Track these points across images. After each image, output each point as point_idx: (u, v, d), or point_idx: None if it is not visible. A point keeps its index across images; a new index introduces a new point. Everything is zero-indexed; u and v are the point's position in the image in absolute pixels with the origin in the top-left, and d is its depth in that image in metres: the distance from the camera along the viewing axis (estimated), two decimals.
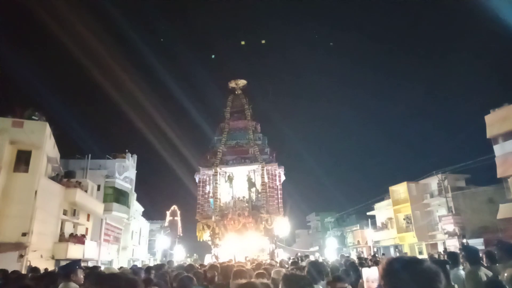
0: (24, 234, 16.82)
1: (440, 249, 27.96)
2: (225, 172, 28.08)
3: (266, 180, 26.74)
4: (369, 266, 7.25)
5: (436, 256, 17.28)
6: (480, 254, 4.99)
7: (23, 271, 11.42)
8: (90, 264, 17.63)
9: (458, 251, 7.99)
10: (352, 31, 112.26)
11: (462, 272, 4.71)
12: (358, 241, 44.32)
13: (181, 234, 50.63)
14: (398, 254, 27.67)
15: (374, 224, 40.89)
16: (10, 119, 18.24)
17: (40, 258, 17.57)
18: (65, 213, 22.15)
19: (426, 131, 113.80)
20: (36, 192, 17.72)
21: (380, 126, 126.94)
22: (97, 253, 25.40)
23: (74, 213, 23.42)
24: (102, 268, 8.82)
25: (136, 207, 36.86)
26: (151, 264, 13.71)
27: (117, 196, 29.50)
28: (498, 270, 4.45)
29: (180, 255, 36.34)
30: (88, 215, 25.76)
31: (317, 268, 4.15)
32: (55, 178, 21.51)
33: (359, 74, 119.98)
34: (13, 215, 16.84)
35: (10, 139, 17.66)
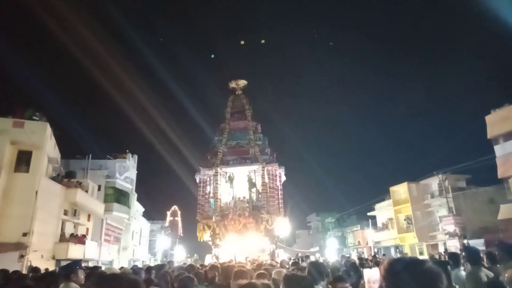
0: (24, 234, 16.85)
1: (441, 249, 27.94)
2: (226, 173, 28.08)
3: (266, 180, 26.75)
4: (370, 267, 7.25)
5: (437, 256, 17.27)
6: (481, 255, 4.98)
7: (24, 271, 11.42)
8: (90, 264, 17.62)
9: (459, 252, 7.99)
10: (352, 31, 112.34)
11: (463, 273, 4.70)
12: (359, 242, 44.29)
13: (182, 235, 50.67)
14: (398, 255, 27.67)
15: (374, 224, 40.86)
16: (11, 120, 18.28)
17: (40, 258, 17.58)
18: (65, 213, 22.18)
19: (427, 131, 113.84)
20: (36, 192, 17.74)
21: (381, 126, 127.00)
22: (97, 253, 25.42)
23: (74, 213, 23.45)
24: (103, 268, 8.82)
25: (137, 207, 36.89)
26: (152, 265, 13.71)
27: (118, 196, 29.53)
28: (499, 270, 4.44)
29: (180, 256, 36.37)
30: (89, 215, 25.78)
31: (318, 268, 4.15)
32: (56, 179, 21.53)
33: (359, 74, 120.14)
34: (14, 215, 16.87)
35: (11, 139, 17.69)
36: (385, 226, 38.53)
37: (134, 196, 33.97)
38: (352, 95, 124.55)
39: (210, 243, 26.87)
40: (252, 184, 27.72)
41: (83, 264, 7.75)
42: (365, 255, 30.12)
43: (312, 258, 16.04)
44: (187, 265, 8.45)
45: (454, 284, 4.53)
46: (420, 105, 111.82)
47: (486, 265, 4.99)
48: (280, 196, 27.64)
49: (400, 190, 35.84)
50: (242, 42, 38.55)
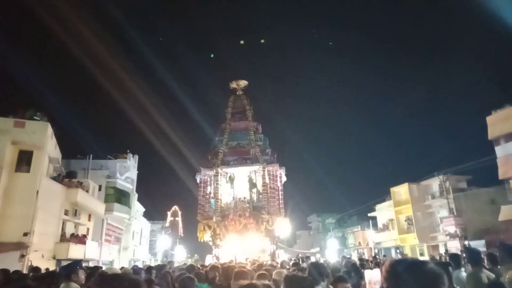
0: (25, 234, 16.87)
1: (442, 250, 27.92)
2: (226, 173, 28.08)
3: (267, 181, 26.74)
4: (370, 268, 7.24)
5: (438, 257, 17.27)
6: (482, 256, 4.97)
7: (25, 271, 11.43)
8: (91, 264, 17.63)
9: (460, 253, 7.98)
10: (353, 31, 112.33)
11: (464, 274, 4.70)
12: (359, 242, 44.25)
13: (182, 235, 50.68)
14: (399, 256, 27.65)
15: (375, 225, 40.83)
16: (12, 120, 18.31)
17: (41, 258, 17.59)
18: (66, 213, 22.19)
19: (427, 132, 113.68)
20: (37, 192, 17.76)
21: (381, 127, 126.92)
22: (98, 253, 25.44)
23: (75, 213, 23.46)
24: (104, 268, 8.82)
25: (137, 208, 36.90)
26: (152, 265, 13.71)
27: (118, 197, 29.54)
28: (500, 272, 4.44)
29: (181, 256, 36.37)
30: (89, 215, 25.79)
31: (318, 269, 4.15)
32: (57, 178, 21.55)
33: (360, 74, 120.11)
34: (15, 215, 16.89)
35: (12, 139, 17.71)
36: (385, 227, 38.49)
37: (134, 196, 33.99)
38: (352, 95, 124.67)
39: (211, 243, 26.87)
40: (252, 185, 27.72)
41: (84, 264, 7.76)
42: (366, 256, 30.11)
43: (313, 259, 16.04)
44: (188, 265, 8.45)
45: (455, 285, 4.52)
46: (420, 106, 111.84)
47: (487, 266, 4.98)
48: (280, 197, 27.64)
49: (401, 190, 35.81)
50: (242, 42, 38.66)
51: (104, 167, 29.60)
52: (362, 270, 5.85)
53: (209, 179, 27.92)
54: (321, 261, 14.21)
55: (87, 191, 24.11)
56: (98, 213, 26.23)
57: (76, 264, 4.73)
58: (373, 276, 4.26)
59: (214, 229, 26.09)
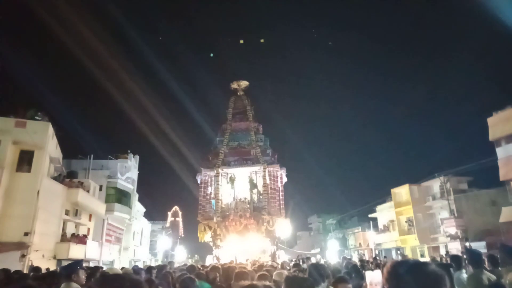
0: (26, 234, 16.87)
1: (442, 252, 27.89)
2: (227, 173, 28.09)
3: (267, 181, 26.73)
4: (371, 269, 7.24)
5: (438, 259, 17.25)
6: (483, 257, 4.96)
7: (25, 271, 11.44)
8: (91, 265, 17.65)
9: (461, 254, 7.96)
10: (354, 32, 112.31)
11: (465, 276, 4.69)
12: (360, 243, 44.21)
13: (183, 235, 50.70)
14: (400, 257, 27.61)
15: (376, 226, 40.77)
16: (13, 119, 18.33)
17: (42, 258, 17.60)
18: (67, 213, 22.19)
19: (428, 133, 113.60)
20: (38, 192, 17.77)
21: (382, 128, 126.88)
22: (98, 253, 25.44)
23: (76, 213, 23.46)
24: (104, 268, 8.82)
25: (138, 208, 36.91)
26: (153, 265, 13.71)
27: (119, 197, 29.55)
28: (501, 273, 4.43)
29: (181, 256, 36.35)
30: (90, 216, 25.80)
31: (319, 270, 4.15)
32: (58, 178, 21.56)
33: (360, 75, 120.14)
34: (16, 215, 16.90)
35: (13, 139, 17.73)
36: (386, 228, 38.45)
37: (135, 197, 34.00)
38: (353, 95, 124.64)
39: (211, 244, 26.86)
40: (253, 185, 27.72)
41: (84, 264, 7.76)
42: (366, 257, 30.11)
43: (313, 260, 16.03)
44: (188, 265, 8.45)
45: (456, 287, 4.51)
46: (421, 106, 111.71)
47: (488, 268, 4.97)
48: (281, 197, 27.64)
49: (402, 192, 35.78)
50: (242, 41, 38.74)
51: (105, 167, 29.61)
52: (363, 271, 5.84)
53: (209, 179, 27.93)
54: (322, 262, 14.20)
55: (88, 191, 24.12)
56: (99, 213, 26.24)
57: (76, 264, 4.73)
58: (374, 277, 4.26)
59: (215, 230, 26.08)
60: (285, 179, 28.94)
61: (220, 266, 6.90)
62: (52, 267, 15.66)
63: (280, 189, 27.87)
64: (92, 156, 28.49)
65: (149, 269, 7.33)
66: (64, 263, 13.79)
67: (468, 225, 27.94)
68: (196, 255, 41.34)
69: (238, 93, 31.78)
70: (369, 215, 42.29)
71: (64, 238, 21.04)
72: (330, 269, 6.12)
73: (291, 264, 10.60)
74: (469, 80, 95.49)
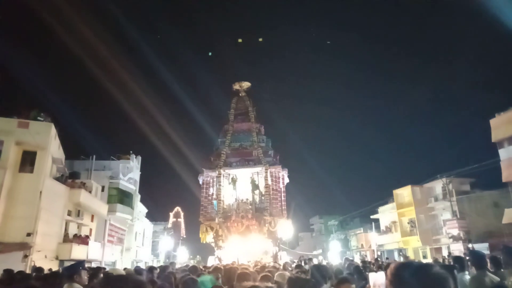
0: (28, 235, 16.91)
1: (445, 253, 27.80)
2: (229, 174, 28.10)
3: (269, 182, 26.73)
4: (374, 271, 7.22)
5: (441, 260, 17.20)
6: (486, 259, 4.94)
7: (28, 271, 11.47)
8: (93, 265, 17.68)
9: (463, 256, 7.93)
10: (357, 34, 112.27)
11: (468, 277, 4.67)
12: (362, 245, 44.12)
13: (184, 236, 50.73)
14: (402, 258, 27.54)
15: (378, 227, 40.69)
16: (16, 120, 18.39)
17: (44, 259, 17.64)
18: (69, 213, 22.25)
19: (431, 134, 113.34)
20: (41, 192, 17.81)
21: (384, 129, 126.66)
22: (100, 254, 25.46)
23: (78, 214, 23.52)
24: (107, 269, 8.84)
25: (140, 208, 36.94)
26: (155, 265, 13.71)
27: (121, 197, 29.58)
28: (504, 275, 4.41)
29: (183, 257, 36.37)
30: (92, 216, 25.85)
31: (321, 271, 4.15)
32: (60, 179, 21.61)
33: (362, 76, 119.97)
34: (18, 216, 16.95)
35: (16, 140, 17.79)
36: (388, 229, 38.36)
37: (137, 197, 34.03)
38: (355, 97, 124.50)
39: (213, 244, 26.87)
40: (255, 186, 27.72)
41: (86, 265, 7.77)
42: (368, 258, 30.05)
43: (315, 261, 16.00)
44: (190, 266, 8.45)
45: None
46: (423, 107, 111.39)
47: (491, 270, 4.95)
48: (283, 198, 27.62)
49: (404, 193, 35.71)
50: (240, 40, 38.90)
51: (107, 168, 29.66)
52: (366, 273, 5.83)
53: (211, 180, 27.96)
54: (324, 263, 14.19)
55: (90, 192, 24.17)
56: (101, 214, 26.28)
57: (78, 264, 4.73)
58: (377, 279, 4.24)
59: (217, 231, 26.10)
60: (287, 180, 28.93)
61: (222, 267, 6.90)
62: (55, 267, 15.71)
63: (282, 190, 27.86)
64: (94, 156, 28.56)
65: (150, 269, 7.33)
66: (67, 264, 13.83)
67: (470, 226, 27.85)
68: (198, 256, 41.38)
69: (240, 94, 31.83)
70: (371, 216, 42.20)
71: (66, 239, 21.08)
72: (332, 270, 6.11)
73: (293, 265, 10.58)
74: (471, 81, 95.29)
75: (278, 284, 3.85)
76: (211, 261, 23.00)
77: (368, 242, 41.45)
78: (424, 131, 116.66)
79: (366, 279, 5.14)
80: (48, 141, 18.87)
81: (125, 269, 9.24)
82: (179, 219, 51.71)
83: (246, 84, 32.26)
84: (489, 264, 5.15)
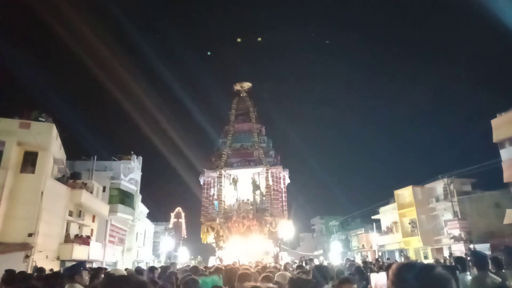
0: (30, 235, 16.92)
1: (446, 254, 27.78)
2: (230, 175, 28.11)
3: (270, 182, 26.74)
4: (375, 271, 7.21)
5: (442, 261, 17.18)
6: (488, 260, 4.93)
7: (29, 272, 11.49)
8: (95, 265, 17.69)
9: (464, 256, 7.92)
10: (358, 34, 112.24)
11: (469, 278, 4.67)
12: (363, 245, 44.08)
13: (186, 236, 50.75)
14: (403, 259, 27.52)
15: (379, 228, 40.66)
16: (17, 121, 18.41)
17: (45, 259, 17.65)
18: (70, 214, 22.27)
19: (432, 134, 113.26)
20: (42, 193, 17.82)
21: (385, 129, 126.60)
22: (102, 254, 25.48)
23: (79, 214, 23.54)
24: (108, 269, 8.85)
25: (141, 209, 36.95)
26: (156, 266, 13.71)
27: (122, 198, 29.59)
28: (506, 276, 4.40)
29: (184, 257, 36.40)
30: (93, 217, 25.87)
31: (322, 272, 4.15)
32: (61, 179, 21.64)
33: (363, 77, 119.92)
34: (20, 216, 16.96)
35: (17, 140, 17.81)
36: (389, 230, 38.33)
37: (138, 198, 34.04)
38: (356, 97, 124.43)
39: (214, 245, 26.88)
40: (256, 187, 27.73)
41: (88, 265, 7.78)
42: (369, 259, 30.03)
43: (316, 261, 16.00)
44: (192, 266, 8.45)
45: None
46: (424, 108, 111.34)
47: (492, 270, 4.95)
48: (284, 199, 27.62)
49: (405, 193, 35.68)
50: (239, 40, 39.01)
51: (108, 168, 29.67)
52: (368, 274, 5.83)
53: (212, 180, 27.97)
54: (325, 263, 14.18)
55: (91, 192, 24.19)
56: (102, 214, 26.30)
57: (80, 265, 4.74)
58: (379, 280, 4.24)
59: (218, 231, 26.11)
60: (288, 181, 28.93)
61: (223, 267, 6.90)
62: (56, 268, 15.71)
63: (283, 190, 27.85)
64: (95, 157, 28.56)
65: (151, 269, 7.34)
66: (68, 264, 13.83)
67: (471, 227, 27.81)
68: (199, 256, 41.46)
69: (241, 95, 31.86)
70: (372, 217, 42.18)
71: (67, 239, 21.10)
72: (333, 271, 6.11)
73: (294, 266, 10.57)
74: (472, 81, 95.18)
75: (279, 285, 3.84)
76: (212, 262, 23.02)
77: (369, 243, 41.42)
78: (425, 131, 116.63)
79: (367, 280, 5.14)
80: (49, 142, 18.89)
81: (126, 269, 9.25)
82: (180, 220, 51.74)
83: (247, 85, 32.28)
84: (490, 265, 5.15)
